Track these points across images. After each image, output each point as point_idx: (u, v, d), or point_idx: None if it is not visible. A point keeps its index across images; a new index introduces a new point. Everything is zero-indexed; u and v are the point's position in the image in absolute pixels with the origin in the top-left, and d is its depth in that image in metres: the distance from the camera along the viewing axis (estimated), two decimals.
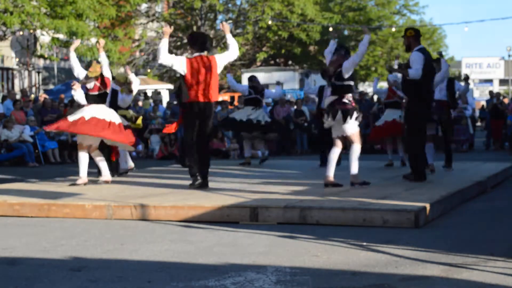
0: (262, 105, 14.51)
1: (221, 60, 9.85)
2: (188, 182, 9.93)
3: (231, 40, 9.89)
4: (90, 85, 10.72)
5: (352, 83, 9.64)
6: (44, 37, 26.44)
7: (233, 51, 9.88)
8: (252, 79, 14.51)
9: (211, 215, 7.80)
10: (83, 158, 10.62)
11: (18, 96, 22.21)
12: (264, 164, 14.45)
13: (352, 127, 9.44)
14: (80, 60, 30.44)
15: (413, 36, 10.42)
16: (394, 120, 13.18)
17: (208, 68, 9.66)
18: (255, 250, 6.15)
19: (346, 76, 9.46)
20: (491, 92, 25.80)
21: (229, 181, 10.81)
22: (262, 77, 33.55)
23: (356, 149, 9.49)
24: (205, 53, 9.85)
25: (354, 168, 9.49)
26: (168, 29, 9.67)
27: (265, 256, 5.89)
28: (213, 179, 10.85)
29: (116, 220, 8.03)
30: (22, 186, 10.68)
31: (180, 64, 9.66)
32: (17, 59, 30.92)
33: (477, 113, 26.85)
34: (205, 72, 9.63)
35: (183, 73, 9.66)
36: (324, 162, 14.23)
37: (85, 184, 10.47)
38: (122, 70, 11.15)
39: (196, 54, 9.74)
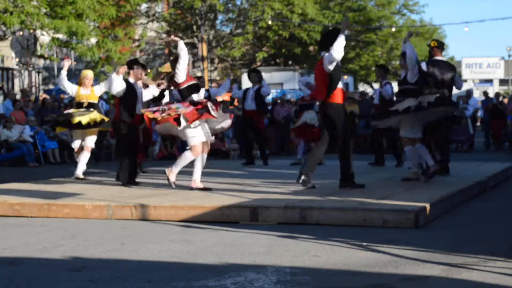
0: None
1: (325, 58, 9.29)
2: (188, 183, 9.91)
3: (337, 40, 9.20)
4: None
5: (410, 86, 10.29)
6: (44, 37, 26.43)
7: (332, 51, 9.18)
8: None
9: (211, 215, 7.80)
10: (199, 160, 9.60)
11: (18, 96, 22.20)
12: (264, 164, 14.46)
13: None
14: (80, 60, 30.50)
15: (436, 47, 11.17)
16: (306, 123, 14.01)
17: (318, 67, 9.51)
18: (255, 250, 6.15)
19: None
20: (485, 93, 25.72)
21: (229, 181, 10.80)
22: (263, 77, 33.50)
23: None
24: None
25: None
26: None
27: (265, 256, 5.89)
28: (213, 179, 10.85)
29: (116, 220, 8.03)
30: (22, 186, 10.68)
31: None
32: (17, 59, 30.89)
33: (480, 113, 26.78)
34: (317, 72, 9.54)
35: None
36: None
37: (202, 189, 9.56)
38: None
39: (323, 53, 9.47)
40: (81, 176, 11.52)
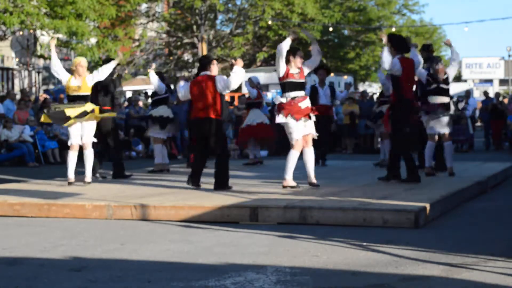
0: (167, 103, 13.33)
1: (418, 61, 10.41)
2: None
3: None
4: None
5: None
6: (44, 37, 26.44)
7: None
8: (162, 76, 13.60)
9: (211, 215, 7.81)
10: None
11: (18, 96, 22.23)
12: (265, 164, 14.46)
13: None
14: None
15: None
16: (262, 123, 14.23)
17: (410, 67, 10.17)
18: (255, 250, 6.15)
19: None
20: (485, 93, 25.75)
21: (229, 181, 10.78)
22: (262, 77, 33.58)
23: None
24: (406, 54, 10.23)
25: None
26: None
27: (265, 256, 5.90)
28: (213, 179, 10.84)
29: (116, 220, 8.03)
30: (22, 186, 10.68)
31: None
32: (17, 59, 30.92)
33: (478, 113, 26.82)
34: (408, 72, 10.09)
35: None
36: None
37: None
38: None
39: (399, 55, 10.03)
40: (89, 180, 10.55)
